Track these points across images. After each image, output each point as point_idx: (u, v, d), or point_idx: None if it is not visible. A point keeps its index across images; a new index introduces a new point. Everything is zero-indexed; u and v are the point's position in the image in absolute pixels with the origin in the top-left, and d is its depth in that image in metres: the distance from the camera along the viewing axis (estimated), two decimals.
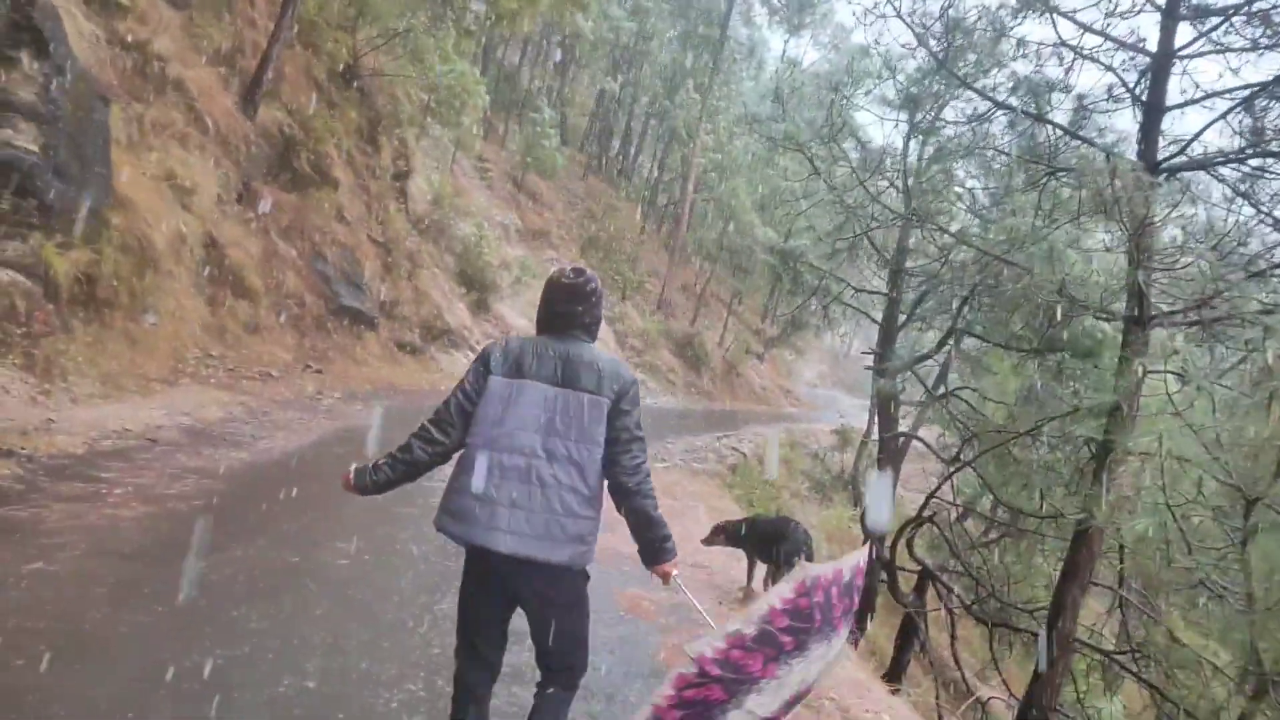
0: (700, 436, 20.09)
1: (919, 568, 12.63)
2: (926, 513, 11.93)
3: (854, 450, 25.08)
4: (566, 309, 2.86)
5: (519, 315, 24.16)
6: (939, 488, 11.90)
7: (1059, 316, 9.66)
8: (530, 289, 25.11)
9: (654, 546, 2.83)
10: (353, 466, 2.91)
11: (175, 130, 11.48)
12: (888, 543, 13.02)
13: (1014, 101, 9.09)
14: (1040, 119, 8.63)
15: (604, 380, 2.80)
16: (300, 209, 14.68)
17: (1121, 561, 9.35)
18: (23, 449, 5.89)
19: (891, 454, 14.79)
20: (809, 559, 6.93)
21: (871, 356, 23.56)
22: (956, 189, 12.81)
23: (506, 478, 2.71)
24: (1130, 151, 8.19)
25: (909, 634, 12.14)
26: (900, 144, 14.23)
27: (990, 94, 9.29)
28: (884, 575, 13.02)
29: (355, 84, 17.13)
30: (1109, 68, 8.43)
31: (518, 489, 2.69)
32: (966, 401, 13.20)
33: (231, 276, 12.45)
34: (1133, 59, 8.35)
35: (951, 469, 11.82)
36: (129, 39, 10.93)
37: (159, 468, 6.30)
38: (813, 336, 49.32)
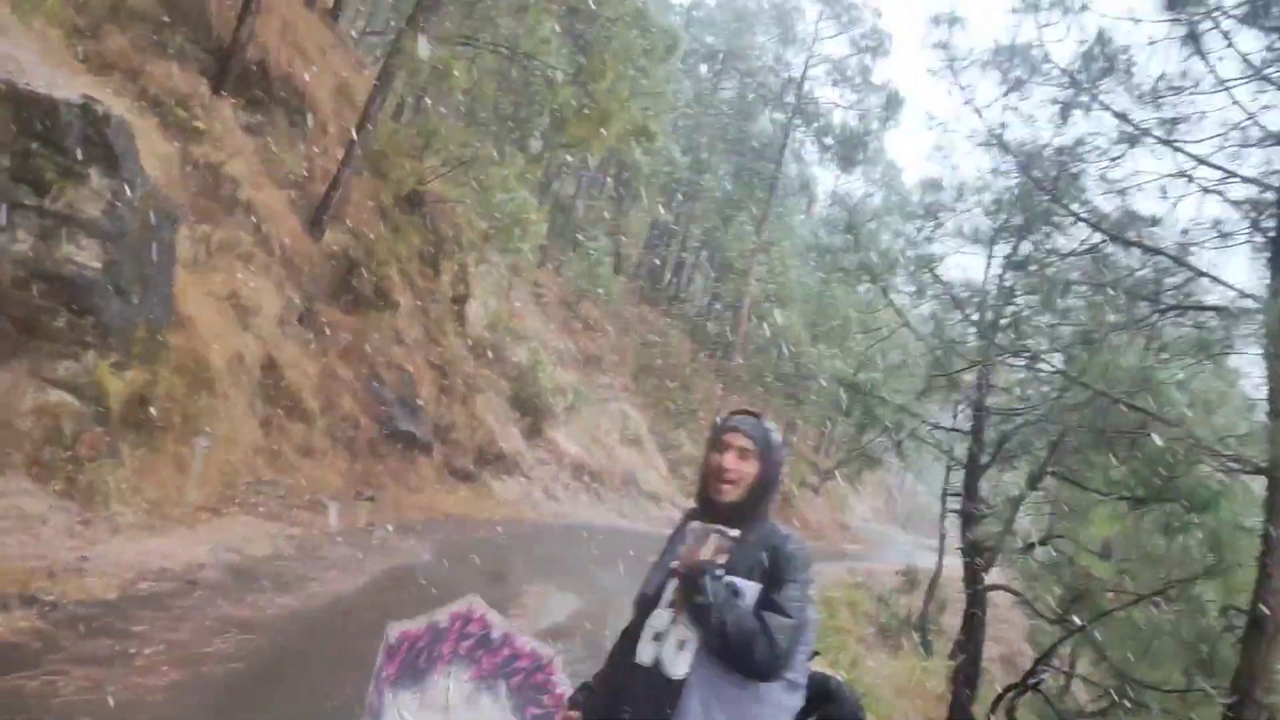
0: None
1: None
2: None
3: (922, 593, 23.61)
4: None
5: (572, 442, 23.53)
6: (1050, 652, 10.72)
7: (1178, 459, 8.72)
8: (583, 415, 24.58)
9: None
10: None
11: (241, 250, 11.30)
12: (985, 707, 11.74)
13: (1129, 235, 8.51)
14: (1175, 259, 7.95)
15: None
16: (360, 330, 14.40)
17: None
18: (48, 595, 5.23)
19: (979, 606, 13.52)
20: None
21: (941, 497, 22.45)
22: (1048, 323, 12.11)
23: None
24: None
25: None
26: (980, 277, 13.68)
27: (1101, 225, 8.71)
28: None
29: (419, 209, 17.17)
30: (1234, 202, 7.86)
31: None
32: (1061, 551, 12.07)
33: (287, 398, 12.03)
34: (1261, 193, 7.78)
35: (1063, 633, 10.65)
36: (202, 161, 10.91)
37: (197, 618, 5.59)
38: (867, 471, 48.01)
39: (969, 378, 13.16)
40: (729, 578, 2.29)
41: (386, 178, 15.76)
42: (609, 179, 37.53)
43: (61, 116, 6.77)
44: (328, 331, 13.59)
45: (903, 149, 79.57)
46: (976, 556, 12.62)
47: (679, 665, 2.26)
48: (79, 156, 6.90)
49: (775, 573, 2.29)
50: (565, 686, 2.58)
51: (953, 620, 23.56)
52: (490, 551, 11.86)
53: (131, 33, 10.44)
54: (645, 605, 2.39)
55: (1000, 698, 11.31)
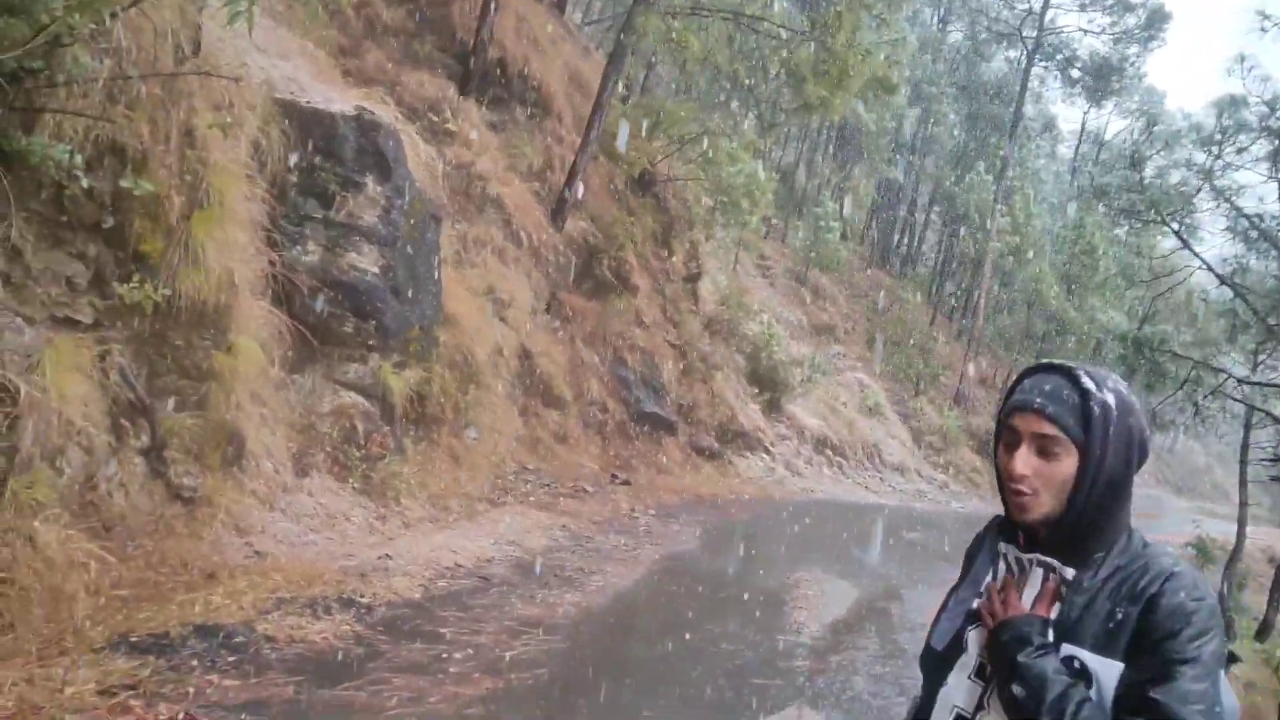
0: None
1: None
2: None
3: (1218, 568, 21.04)
4: None
5: (811, 415, 22.86)
6: None
7: None
8: (819, 387, 23.82)
9: None
10: None
11: (494, 245, 11.59)
12: None
13: None
14: None
15: None
16: (601, 315, 14.52)
17: None
18: (362, 597, 5.40)
19: None
20: None
21: (1241, 460, 19.82)
22: None
23: None
24: None
25: None
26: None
27: None
28: None
29: (651, 190, 17.08)
30: None
31: None
32: None
33: (542, 386, 12.29)
34: None
35: None
36: (455, 162, 11.25)
37: (496, 618, 5.59)
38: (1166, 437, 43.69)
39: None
40: (1067, 647, 1.42)
41: (619, 161, 15.74)
42: (831, 144, 36.14)
43: (339, 129, 7.04)
44: (573, 318, 13.79)
45: (1163, 72, 71.02)
46: None
47: None
48: (356, 166, 7.15)
49: (1147, 640, 1.37)
50: None
51: (1255, 600, 20.89)
52: (750, 534, 11.58)
53: (387, 47, 10.92)
54: (937, 667, 1.58)
55: None
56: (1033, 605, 1.47)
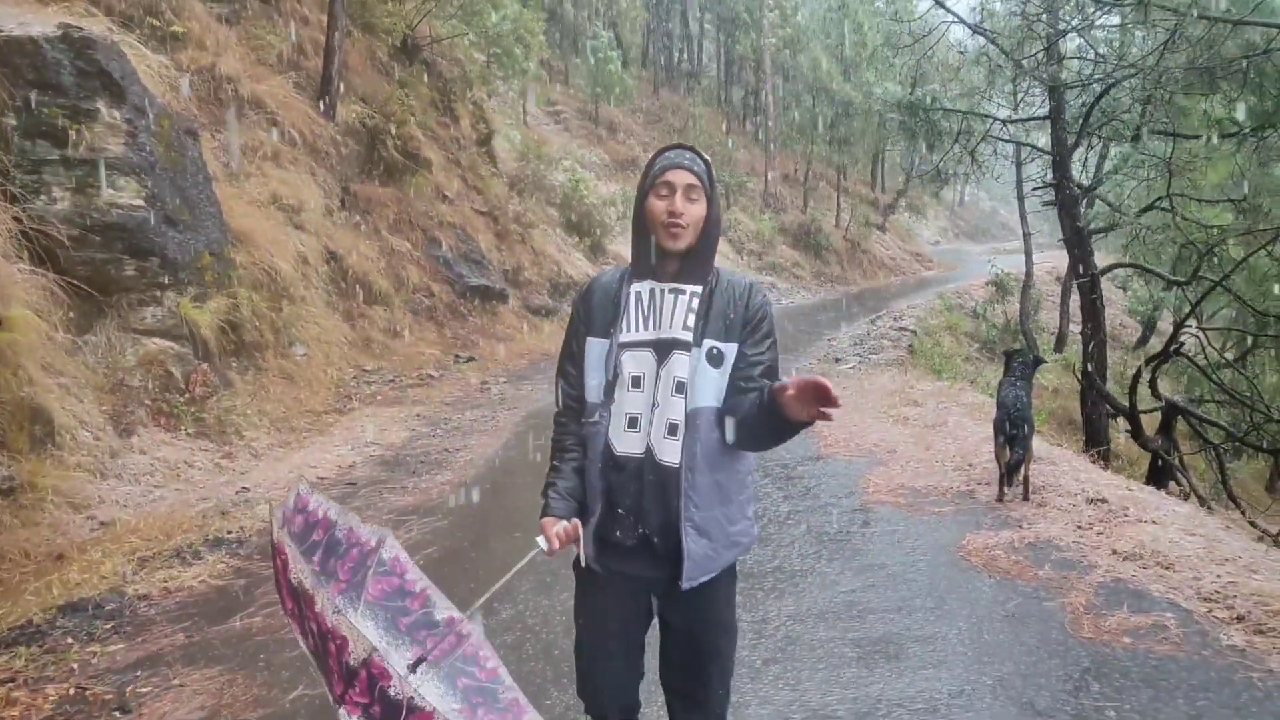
0: (855, 324, 18.75)
1: (1161, 407, 11.19)
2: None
3: (1015, 299, 23.28)
4: None
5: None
6: (1188, 316, 10.33)
7: None
8: None
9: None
10: None
11: (266, 150, 10.80)
12: (1115, 383, 11.57)
13: None
14: None
15: None
16: (401, 199, 13.95)
17: None
18: (229, 534, 5.26)
19: (1092, 297, 12.95)
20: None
21: (1018, 195, 21.60)
22: None
23: None
24: None
25: (1159, 480, 10.70)
26: None
27: None
28: (1125, 424, 11.64)
29: (418, 57, 16.17)
30: None
31: None
32: (1172, 211, 11.37)
33: (359, 286, 11.86)
34: None
35: (1199, 295, 10.21)
36: (193, 67, 10.24)
37: (373, 516, 5.60)
38: (930, 196, 46.59)
39: (1040, 56, 12.13)
40: (707, 341, 2.07)
41: (377, 31, 14.75)
42: None
43: (47, 54, 6.22)
44: (372, 209, 13.20)
45: None
46: (1084, 243, 12.03)
47: (670, 451, 2.04)
48: (81, 93, 6.40)
49: (747, 327, 2.10)
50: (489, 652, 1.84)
51: (1048, 317, 23.40)
52: None
53: None
54: (605, 391, 2.11)
55: (1139, 370, 11.10)
56: (684, 317, 2.07)
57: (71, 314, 6.51)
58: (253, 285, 8.91)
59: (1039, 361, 6.46)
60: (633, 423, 2.07)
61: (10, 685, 3.45)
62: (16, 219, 5.97)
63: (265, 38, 12.10)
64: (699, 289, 2.09)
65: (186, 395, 7.23)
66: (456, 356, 12.59)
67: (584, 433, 2.14)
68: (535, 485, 5.81)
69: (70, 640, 3.87)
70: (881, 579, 4.48)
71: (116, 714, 3.30)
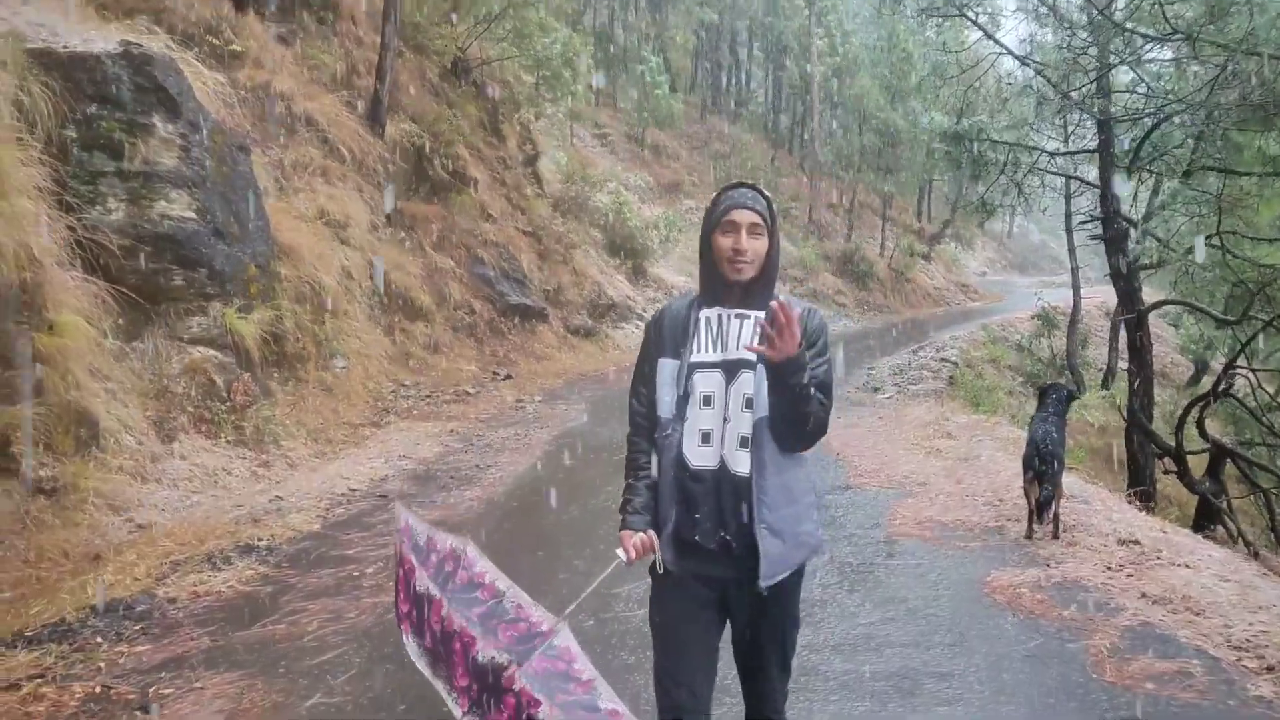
0: (897, 355, 18.57)
1: (1209, 449, 10.91)
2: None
3: (1062, 333, 22.87)
4: None
5: (676, 273, 23.22)
6: (1237, 355, 10.10)
7: None
8: (679, 244, 24.11)
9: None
10: None
11: (316, 166, 11.07)
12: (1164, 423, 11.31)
13: None
14: None
15: None
16: (446, 217, 14.18)
17: None
18: (260, 541, 5.37)
19: (1139, 334, 12.69)
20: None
21: (1066, 227, 21.28)
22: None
23: None
24: None
25: (1208, 523, 10.41)
26: None
27: None
28: (1171, 465, 11.36)
29: (467, 77, 16.47)
30: None
31: None
32: (1222, 249, 11.13)
33: (401, 301, 12.06)
34: None
35: (1250, 335, 9.98)
36: (248, 85, 10.54)
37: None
38: (977, 227, 46.07)
39: (1088, 89, 12.00)
40: None
41: (428, 52, 15.06)
42: None
43: (108, 70, 6.47)
44: (417, 226, 13.43)
45: None
46: (1131, 279, 11.81)
47: (742, 462, 2.22)
48: (138, 108, 6.64)
49: (806, 343, 2.20)
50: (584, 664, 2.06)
51: (1096, 353, 22.94)
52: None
53: None
54: (677, 408, 2.28)
55: (1187, 409, 10.85)
56: (753, 340, 2.21)
57: (120, 321, 6.71)
58: (296, 298, 9.11)
59: (1073, 396, 6.38)
60: (706, 438, 2.24)
61: (40, 681, 3.55)
62: (71, 228, 6.19)
63: (320, 57, 12.42)
64: (762, 314, 2.22)
65: (228, 404, 7.40)
66: (494, 374, 12.72)
67: (659, 445, 2.30)
68: (561, 504, 5.84)
69: (99, 639, 3.98)
70: (902, 613, 4.44)
71: (138, 714, 3.38)
